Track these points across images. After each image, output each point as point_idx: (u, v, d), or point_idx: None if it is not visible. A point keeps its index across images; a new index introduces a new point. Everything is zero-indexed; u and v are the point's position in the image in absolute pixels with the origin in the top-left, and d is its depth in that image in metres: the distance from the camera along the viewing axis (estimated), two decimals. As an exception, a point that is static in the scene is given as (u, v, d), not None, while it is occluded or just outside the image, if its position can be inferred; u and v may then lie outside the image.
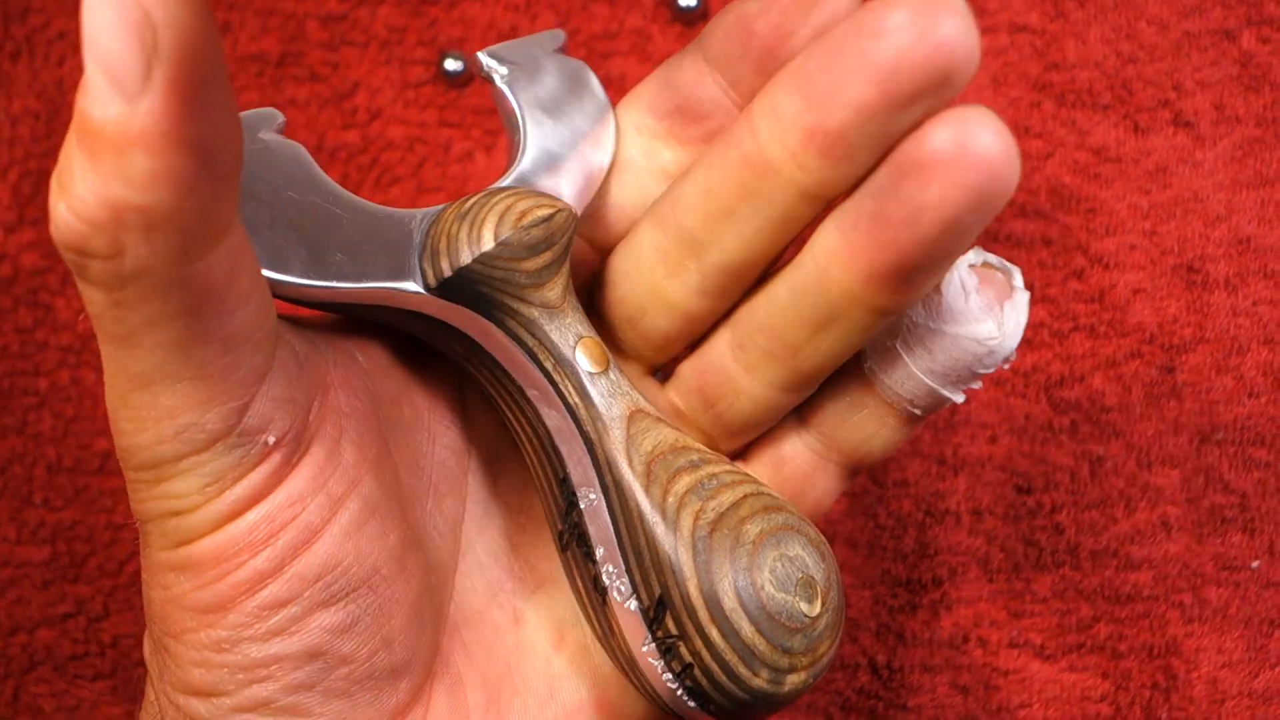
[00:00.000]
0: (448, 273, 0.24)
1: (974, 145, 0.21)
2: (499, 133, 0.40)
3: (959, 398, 0.25)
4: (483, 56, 0.28)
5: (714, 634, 0.23)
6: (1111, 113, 0.38)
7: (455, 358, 0.26)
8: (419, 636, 0.25)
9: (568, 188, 0.26)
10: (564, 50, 0.29)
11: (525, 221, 0.24)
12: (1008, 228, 0.37)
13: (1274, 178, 0.37)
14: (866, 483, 0.36)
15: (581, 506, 0.25)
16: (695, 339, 0.27)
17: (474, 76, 0.40)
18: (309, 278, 0.24)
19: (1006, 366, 0.27)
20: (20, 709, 0.37)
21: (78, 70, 0.40)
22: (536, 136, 0.27)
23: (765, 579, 0.23)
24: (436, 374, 0.27)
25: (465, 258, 0.24)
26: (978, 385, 0.25)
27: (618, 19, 0.40)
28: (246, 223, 0.23)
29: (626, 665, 0.25)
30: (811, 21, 0.24)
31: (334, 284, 0.24)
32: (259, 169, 0.24)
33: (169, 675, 0.24)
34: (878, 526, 0.36)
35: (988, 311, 0.24)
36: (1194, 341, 0.36)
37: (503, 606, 0.27)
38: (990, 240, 0.37)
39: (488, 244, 0.24)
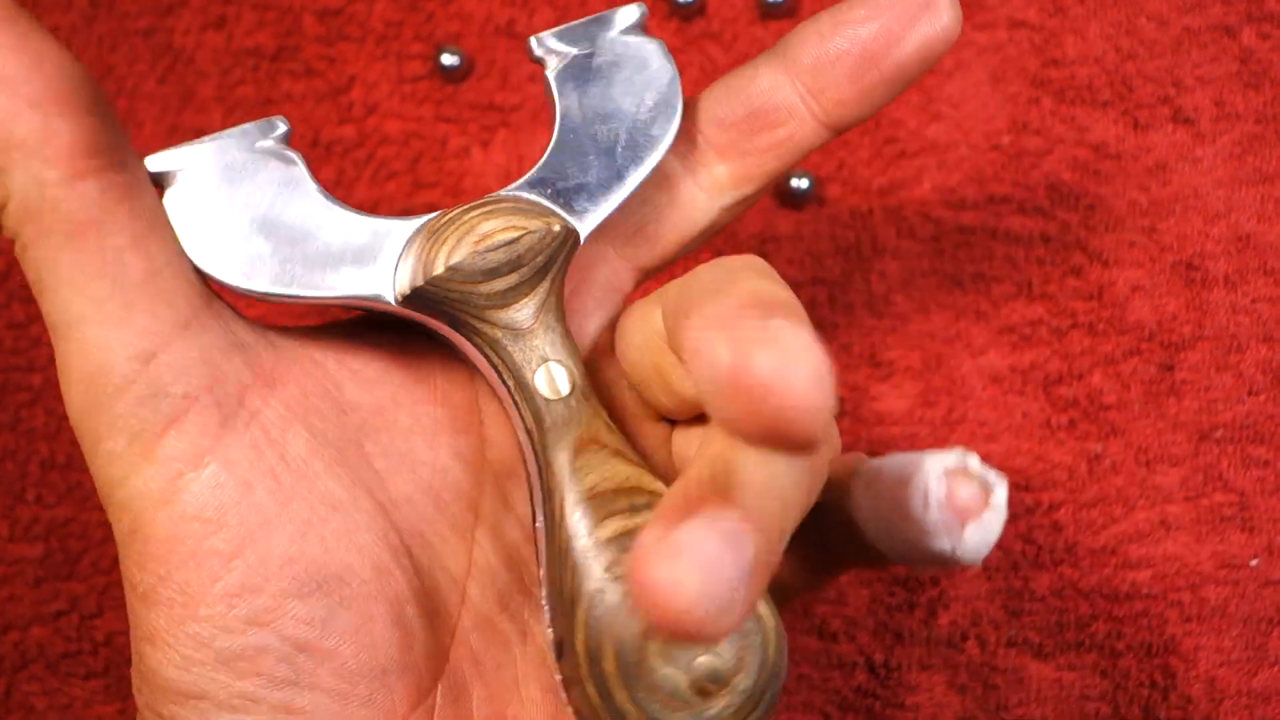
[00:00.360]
0: (407, 290, 0.24)
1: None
2: (496, 128, 0.39)
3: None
4: (533, 42, 0.27)
5: (590, 690, 0.23)
6: (1111, 109, 0.38)
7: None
8: (408, 640, 0.24)
9: (592, 195, 0.26)
10: (641, 28, 0.27)
11: (483, 246, 0.24)
12: (1006, 224, 0.37)
13: (1274, 175, 0.37)
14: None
15: (536, 526, 0.25)
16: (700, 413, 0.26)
17: (470, 72, 0.40)
18: (277, 287, 0.24)
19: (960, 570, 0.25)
20: (12, 707, 0.37)
21: (72, 64, 0.40)
22: (568, 134, 0.26)
23: (654, 650, 0.22)
24: (450, 382, 0.27)
25: (419, 279, 0.24)
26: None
27: (615, 14, 0.39)
28: (227, 231, 0.24)
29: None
30: (920, 29, 0.25)
31: (301, 294, 0.24)
32: (248, 179, 0.25)
33: (153, 688, 0.23)
34: (875, 524, 0.36)
35: (946, 530, 0.22)
36: (1193, 339, 0.36)
37: (514, 619, 0.27)
38: (989, 238, 0.37)
39: (438, 268, 0.24)
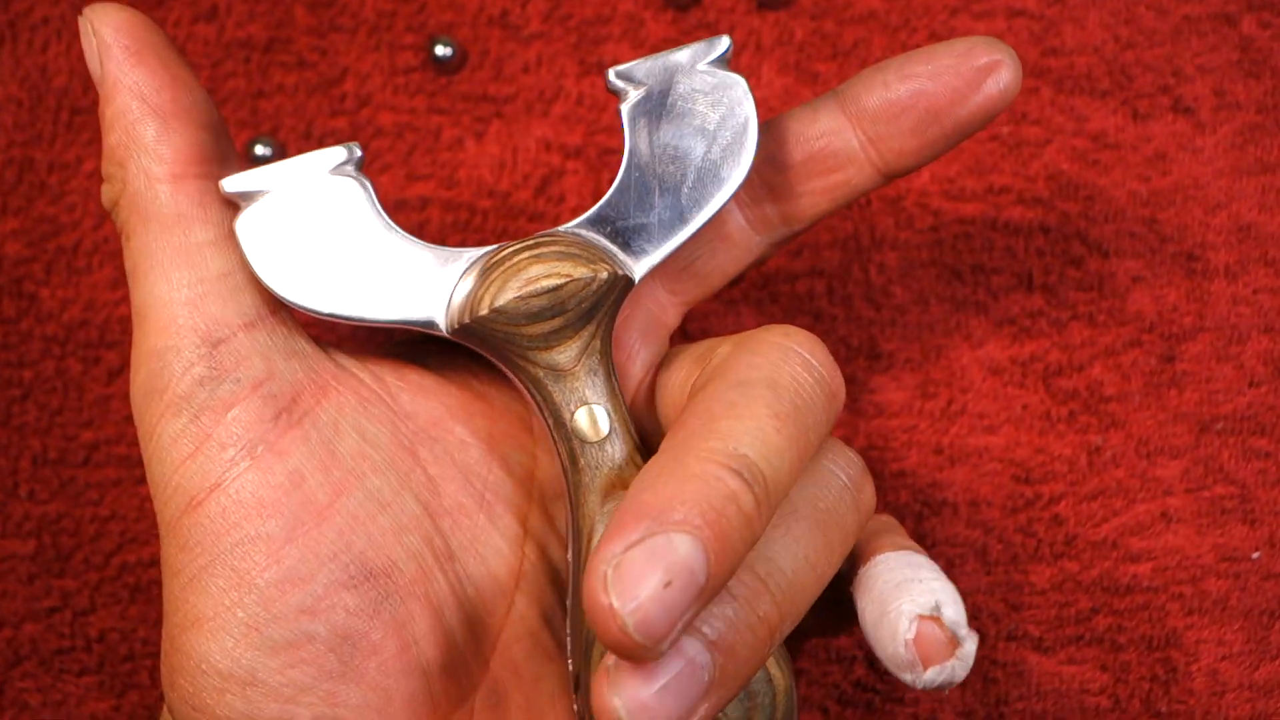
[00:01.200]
0: (455, 325, 0.25)
1: None
2: (489, 119, 0.39)
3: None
4: (612, 75, 0.27)
5: None
6: (1110, 99, 0.37)
7: None
8: (449, 642, 0.25)
9: (652, 236, 0.26)
10: (726, 62, 0.27)
11: (527, 290, 0.25)
12: (1006, 215, 0.37)
13: (1274, 164, 0.37)
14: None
15: (568, 559, 0.25)
16: None
17: (464, 63, 0.39)
18: (338, 308, 0.25)
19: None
20: (6, 704, 0.36)
21: (61, 57, 0.40)
22: (634, 171, 0.26)
23: None
24: (506, 400, 0.28)
25: (466, 316, 0.25)
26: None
27: (610, 4, 0.39)
28: (294, 253, 0.25)
29: None
30: (985, 89, 0.25)
31: (360, 315, 0.25)
32: (318, 204, 0.26)
33: (194, 676, 0.23)
34: (874, 518, 0.36)
35: (909, 666, 0.23)
36: (1194, 330, 0.36)
37: (555, 633, 0.27)
38: (989, 229, 0.37)
39: (484, 309, 0.25)
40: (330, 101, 0.39)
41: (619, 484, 0.25)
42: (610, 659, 0.20)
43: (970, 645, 0.23)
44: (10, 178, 0.39)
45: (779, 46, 0.39)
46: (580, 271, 0.25)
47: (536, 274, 0.25)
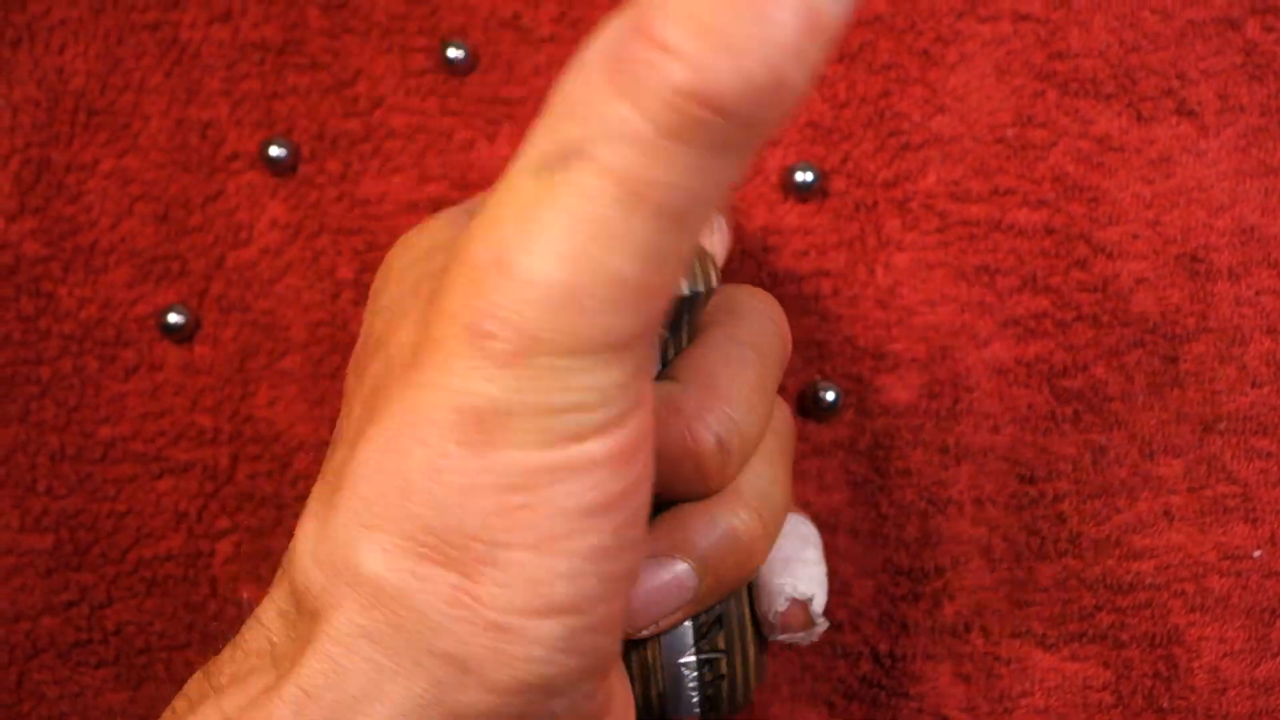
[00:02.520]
0: None
1: None
2: (501, 121, 0.39)
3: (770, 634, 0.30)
4: None
5: (751, 651, 0.28)
6: (1115, 102, 0.38)
7: None
8: None
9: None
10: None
11: None
12: (1011, 217, 0.37)
13: (1278, 167, 0.37)
14: (869, 472, 0.36)
15: None
16: None
17: (475, 65, 0.40)
18: None
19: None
20: (24, 696, 0.37)
21: (79, 58, 0.40)
22: None
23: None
24: None
25: None
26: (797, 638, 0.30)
27: (621, 7, 0.39)
28: None
29: (643, 672, 0.26)
30: None
31: None
32: None
33: (483, 599, 0.20)
34: (879, 516, 0.36)
35: (769, 627, 0.29)
36: (1197, 331, 0.36)
37: None
38: (994, 230, 0.37)
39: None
40: (343, 103, 0.40)
41: None
42: None
43: (820, 627, 0.29)
44: (28, 177, 0.40)
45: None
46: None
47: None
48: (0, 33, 0.41)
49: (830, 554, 0.36)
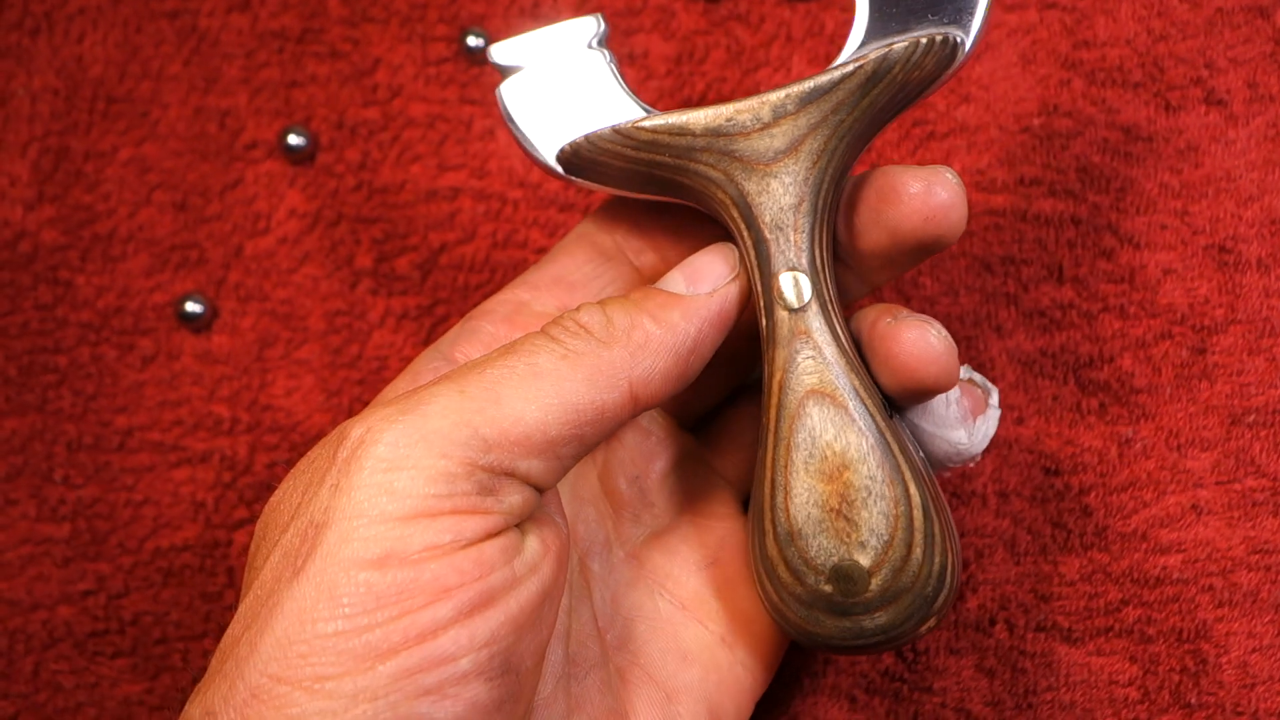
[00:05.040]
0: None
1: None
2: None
3: (946, 468, 0.31)
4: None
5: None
6: (1142, 91, 0.37)
7: None
8: None
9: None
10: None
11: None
12: (1036, 207, 0.37)
13: (1308, 157, 0.37)
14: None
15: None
16: None
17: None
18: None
19: (972, 465, 0.33)
20: (40, 685, 0.37)
21: (97, 46, 0.40)
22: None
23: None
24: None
25: None
26: (945, 473, 0.31)
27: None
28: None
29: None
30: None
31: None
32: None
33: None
34: (903, 508, 0.36)
35: (962, 421, 0.30)
36: (1225, 323, 0.36)
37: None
38: (1019, 220, 0.37)
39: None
40: (363, 92, 0.40)
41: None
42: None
43: (995, 395, 0.31)
44: (47, 166, 0.40)
45: (810, 38, 0.39)
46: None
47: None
48: (19, 21, 0.41)
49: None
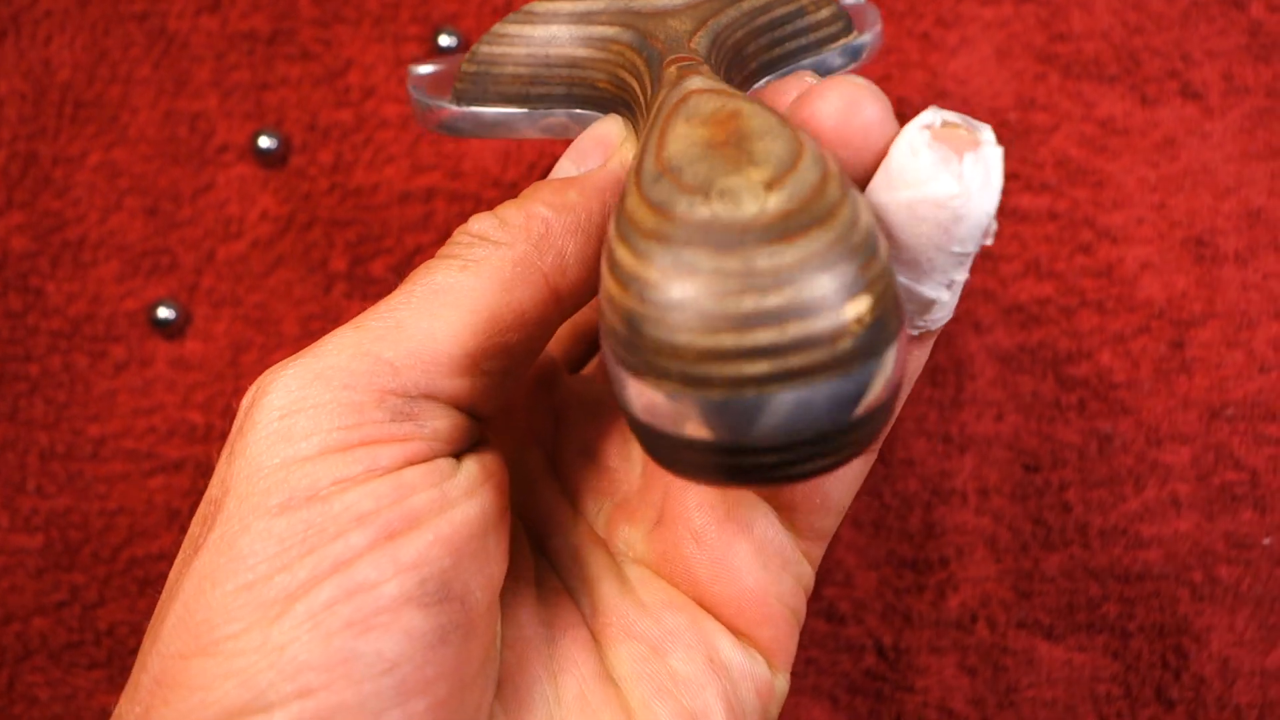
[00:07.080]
0: None
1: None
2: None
3: (943, 295, 0.21)
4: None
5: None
6: (1118, 84, 0.37)
7: None
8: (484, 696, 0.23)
9: None
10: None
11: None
12: (1013, 202, 0.37)
13: (1284, 149, 0.37)
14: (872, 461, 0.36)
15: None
16: None
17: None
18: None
19: (989, 242, 0.21)
20: (15, 698, 0.36)
21: (65, 50, 0.40)
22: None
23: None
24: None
25: None
26: (961, 277, 0.20)
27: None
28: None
29: None
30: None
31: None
32: None
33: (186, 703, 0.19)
34: (883, 506, 0.36)
35: (943, 165, 0.20)
36: (1204, 316, 0.36)
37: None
38: (997, 215, 0.37)
39: None
40: (335, 93, 0.39)
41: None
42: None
43: (988, 132, 0.20)
44: (15, 171, 0.39)
45: None
46: None
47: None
48: (-15, 25, 0.40)
49: (832, 545, 0.35)
